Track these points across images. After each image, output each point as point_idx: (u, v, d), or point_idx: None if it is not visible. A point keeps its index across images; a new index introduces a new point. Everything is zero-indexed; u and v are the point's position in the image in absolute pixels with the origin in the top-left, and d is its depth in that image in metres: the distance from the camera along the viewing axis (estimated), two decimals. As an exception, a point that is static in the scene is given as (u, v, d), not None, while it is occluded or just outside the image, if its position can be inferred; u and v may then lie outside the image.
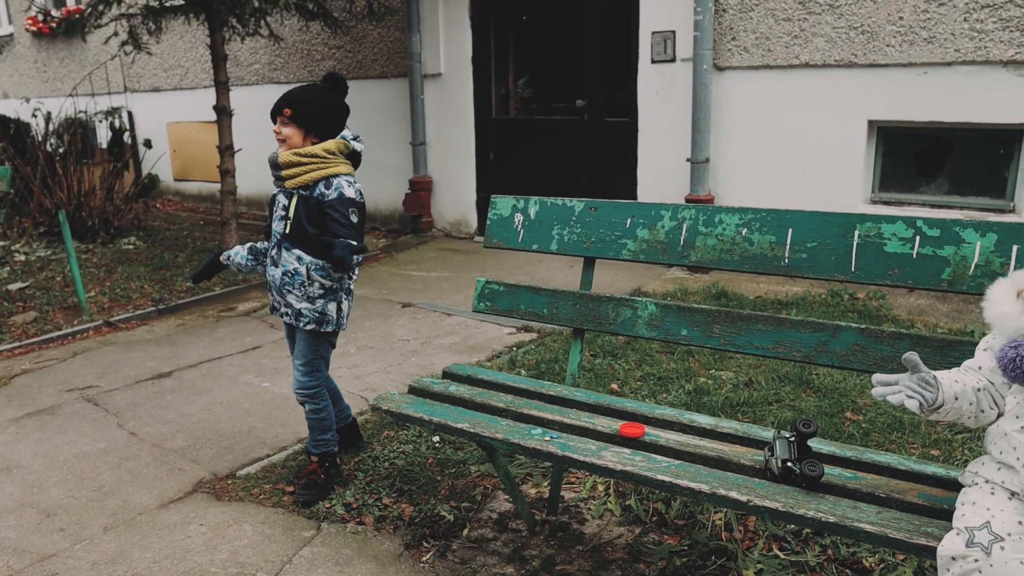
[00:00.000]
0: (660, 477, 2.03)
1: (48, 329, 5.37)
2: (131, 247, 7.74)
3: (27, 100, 10.91)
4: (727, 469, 2.09)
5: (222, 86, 6.95)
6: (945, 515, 1.78)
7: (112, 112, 10.50)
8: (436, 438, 3.36)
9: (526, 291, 2.80)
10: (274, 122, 2.91)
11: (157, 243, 7.91)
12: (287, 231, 2.89)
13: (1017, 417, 1.63)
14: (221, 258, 3.14)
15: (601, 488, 2.97)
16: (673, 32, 6.37)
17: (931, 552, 1.67)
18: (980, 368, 1.73)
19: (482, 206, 7.84)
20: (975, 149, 5.52)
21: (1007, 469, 1.65)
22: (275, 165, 2.89)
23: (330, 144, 2.87)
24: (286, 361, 4.63)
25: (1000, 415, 1.71)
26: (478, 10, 7.56)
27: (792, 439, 2.01)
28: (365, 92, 8.60)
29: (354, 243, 2.79)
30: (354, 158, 2.98)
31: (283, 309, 2.98)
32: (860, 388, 3.73)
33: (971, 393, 1.69)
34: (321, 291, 2.91)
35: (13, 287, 6.32)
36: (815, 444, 2.15)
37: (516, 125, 7.66)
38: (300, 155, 2.83)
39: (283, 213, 2.92)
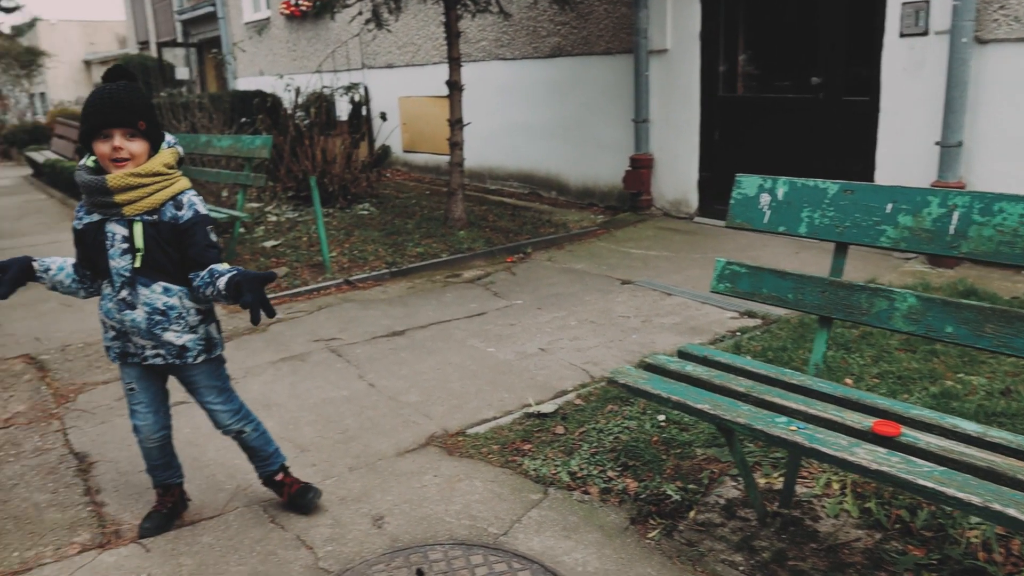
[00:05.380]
0: (922, 482, 1.89)
1: (297, 284, 5.91)
2: (365, 213, 8.32)
3: (280, 76, 11.99)
4: (1000, 482, 1.91)
5: (455, 62, 7.24)
6: None
7: (351, 87, 11.32)
8: (661, 417, 3.35)
9: (769, 274, 2.70)
10: (102, 138, 2.39)
11: (388, 210, 8.45)
12: (138, 265, 2.48)
13: None
14: (35, 265, 2.55)
15: (836, 486, 2.82)
16: (927, 2, 5.84)
17: None
18: None
19: (704, 186, 7.65)
20: None
21: None
22: (101, 190, 2.40)
23: (168, 156, 2.49)
24: (510, 329, 4.80)
25: None
26: (710, -17, 7.33)
27: (1086, 457, 1.80)
28: (589, 68, 8.64)
29: (258, 276, 2.31)
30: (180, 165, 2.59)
31: (151, 352, 2.59)
32: None
33: None
34: (199, 316, 2.60)
35: (267, 244, 7.02)
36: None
37: (744, 103, 7.37)
38: (138, 175, 2.40)
39: (125, 246, 2.47)
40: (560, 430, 3.37)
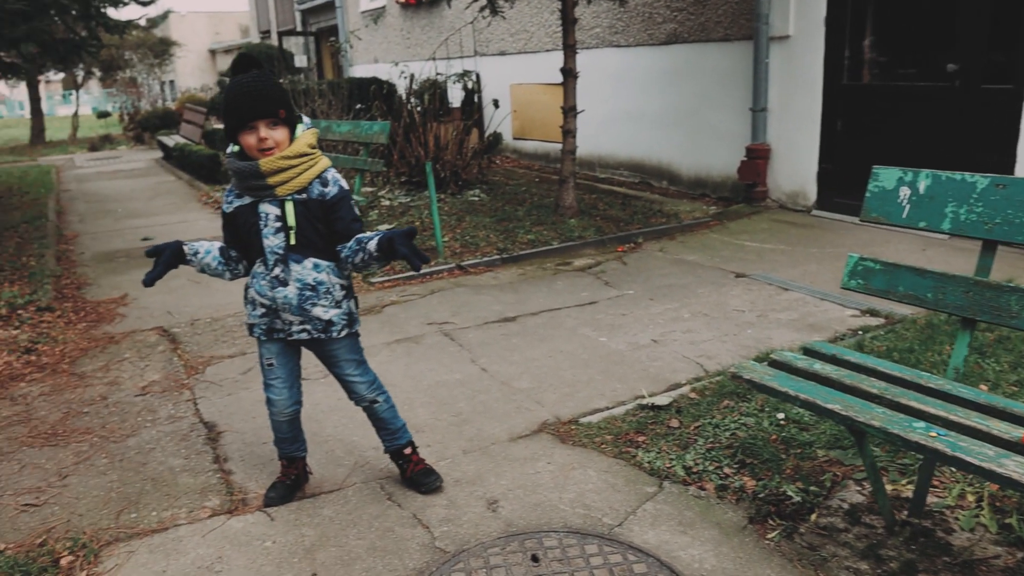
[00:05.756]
0: (1081, 499, 1.76)
1: (410, 268, 6.02)
2: (476, 199, 8.41)
3: (395, 64, 12.23)
4: None
5: (570, 49, 7.18)
6: None
7: (464, 75, 11.42)
8: (780, 415, 3.25)
9: (907, 272, 2.57)
10: (247, 130, 2.52)
11: (498, 196, 8.51)
12: (293, 242, 2.62)
13: None
14: (185, 249, 2.72)
15: (971, 498, 2.67)
16: (1086, -17, 5.42)
17: None
18: None
19: (824, 178, 7.36)
20: None
21: None
22: (255, 174, 2.54)
23: (310, 137, 2.61)
24: (622, 319, 4.75)
25: None
26: (839, -34, 7.01)
27: None
28: (705, 55, 8.43)
29: (405, 231, 2.48)
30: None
31: (297, 327, 2.72)
32: None
33: None
34: (343, 291, 2.73)
35: (382, 228, 7.19)
36: None
37: (870, 92, 7.03)
38: (288, 158, 2.54)
39: (278, 224, 2.61)
40: (675, 423, 3.32)
